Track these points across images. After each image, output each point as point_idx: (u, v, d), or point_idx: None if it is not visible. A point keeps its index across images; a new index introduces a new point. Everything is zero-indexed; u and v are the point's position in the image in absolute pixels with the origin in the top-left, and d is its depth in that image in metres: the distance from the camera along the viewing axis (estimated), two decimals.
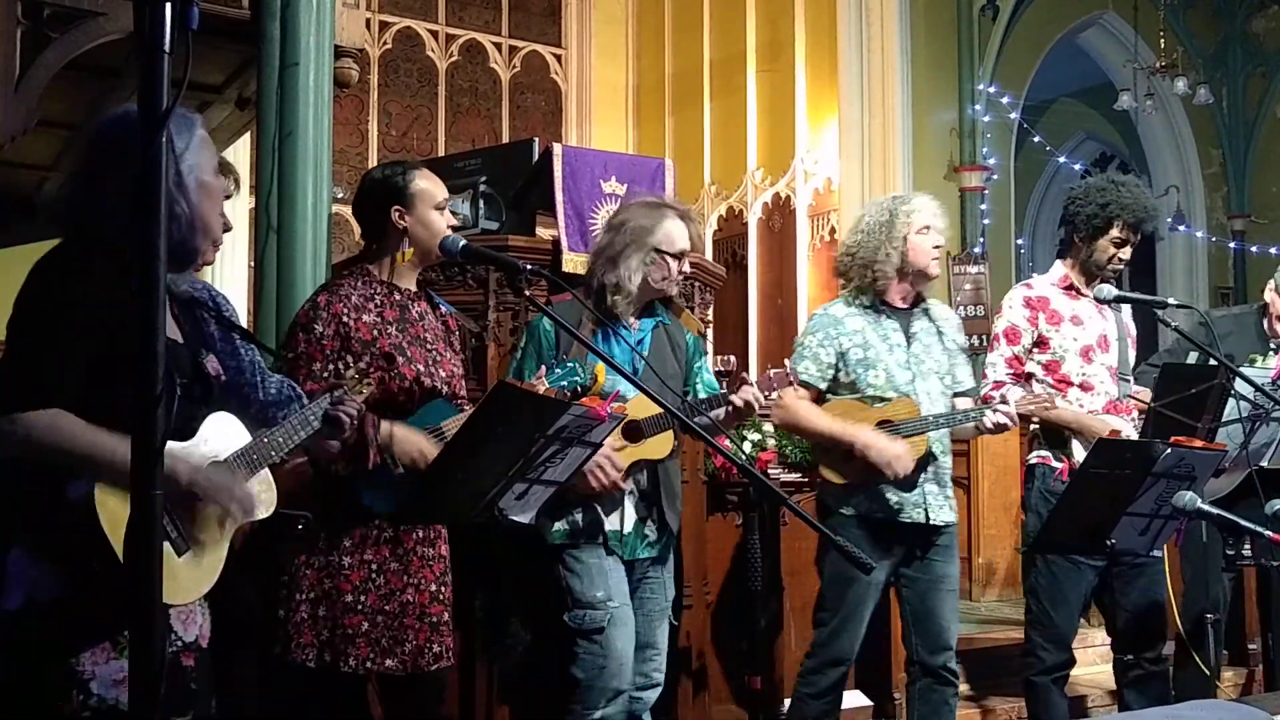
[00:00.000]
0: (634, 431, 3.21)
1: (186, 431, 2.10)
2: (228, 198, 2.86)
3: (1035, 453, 3.94)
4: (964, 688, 5.31)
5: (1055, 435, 3.87)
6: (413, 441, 2.83)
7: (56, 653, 1.99)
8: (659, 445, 3.26)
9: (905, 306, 3.70)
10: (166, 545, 1.98)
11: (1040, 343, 3.89)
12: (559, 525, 3.21)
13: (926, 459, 3.58)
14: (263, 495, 2.26)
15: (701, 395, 3.39)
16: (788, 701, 4.45)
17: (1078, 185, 4.00)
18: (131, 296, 2.03)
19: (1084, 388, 3.86)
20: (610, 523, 3.25)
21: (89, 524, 1.93)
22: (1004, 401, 3.65)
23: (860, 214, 3.79)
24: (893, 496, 3.58)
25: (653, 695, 3.36)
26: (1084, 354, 3.88)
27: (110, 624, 2.01)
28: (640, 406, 3.17)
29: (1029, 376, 3.91)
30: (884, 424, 3.56)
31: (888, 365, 3.61)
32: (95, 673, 1.99)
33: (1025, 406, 3.69)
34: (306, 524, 2.62)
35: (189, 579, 2.07)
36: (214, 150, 2.24)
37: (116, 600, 1.96)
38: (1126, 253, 3.93)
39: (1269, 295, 4.48)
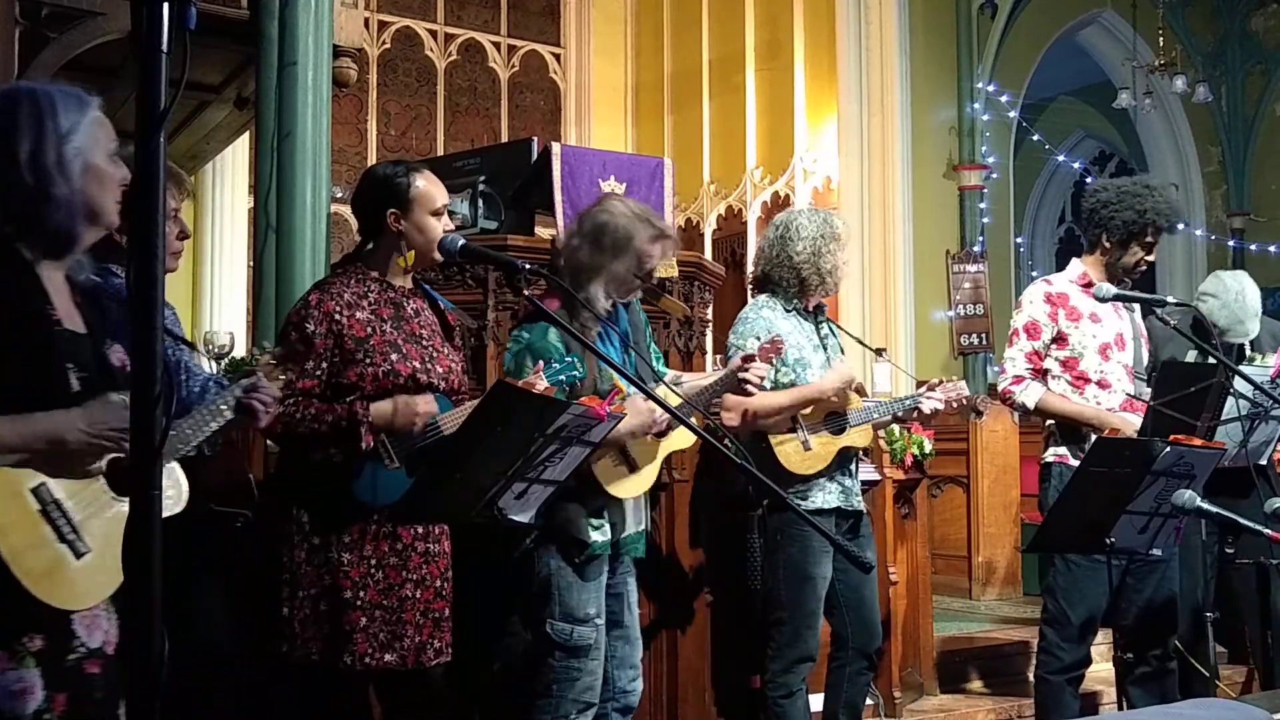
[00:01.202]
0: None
1: None
2: (174, 212, 2.80)
3: (1051, 450, 3.96)
4: (964, 686, 5.32)
5: (1073, 432, 3.88)
6: (408, 408, 2.82)
7: None
8: (684, 435, 3.28)
9: (811, 312, 3.84)
10: (64, 548, 1.92)
11: (1059, 339, 3.93)
12: (599, 537, 3.20)
13: (856, 451, 3.79)
14: (169, 491, 2.16)
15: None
16: None
17: (1105, 188, 4.00)
18: (14, 284, 1.98)
19: (1101, 385, 3.89)
20: (636, 525, 3.27)
21: None
22: (931, 389, 3.81)
23: (784, 223, 3.81)
24: (838, 486, 3.70)
25: (639, 684, 3.38)
26: (1101, 351, 3.91)
27: (5, 632, 1.92)
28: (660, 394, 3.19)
29: (1045, 373, 3.93)
30: (831, 415, 3.71)
31: (816, 365, 3.74)
32: None
33: (950, 392, 3.81)
34: (246, 521, 2.58)
35: (90, 582, 1.97)
36: (111, 134, 2.11)
37: (8, 608, 1.90)
38: (1153, 256, 4.01)
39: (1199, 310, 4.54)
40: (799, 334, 3.74)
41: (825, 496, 3.68)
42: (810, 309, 3.81)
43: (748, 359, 3.30)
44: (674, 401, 3.12)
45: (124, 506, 1.97)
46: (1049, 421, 3.99)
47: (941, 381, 3.88)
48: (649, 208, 3.39)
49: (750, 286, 3.92)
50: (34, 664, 1.93)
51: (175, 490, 2.20)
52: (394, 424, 2.83)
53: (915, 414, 3.81)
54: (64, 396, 1.97)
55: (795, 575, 3.63)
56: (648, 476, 3.23)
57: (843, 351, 3.93)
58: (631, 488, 3.20)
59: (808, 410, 3.67)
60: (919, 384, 3.98)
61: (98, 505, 1.99)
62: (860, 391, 3.90)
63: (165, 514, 2.06)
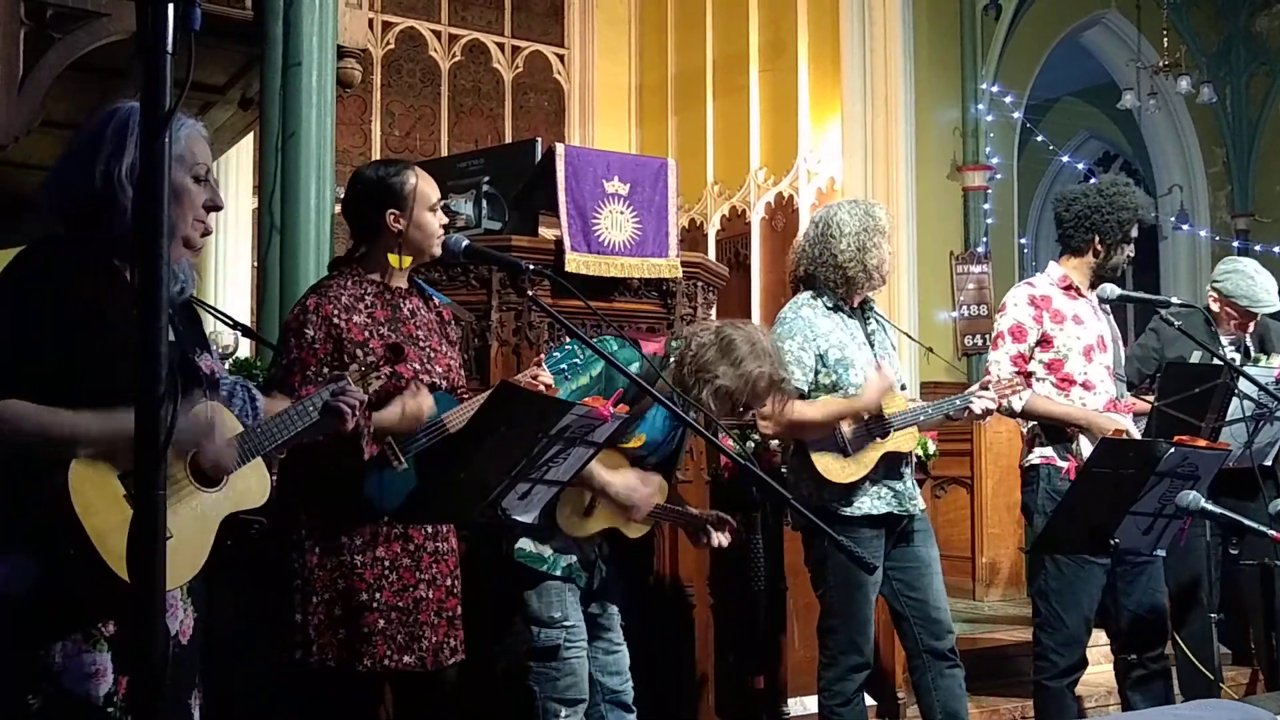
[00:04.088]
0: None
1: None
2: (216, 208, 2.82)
3: (1037, 452, 3.90)
4: (968, 687, 5.31)
5: (1059, 433, 3.85)
6: (410, 410, 2.82)
7: (25, 645, 1.97)
8: (637, 527, 3.35)
9: (857, 308, 3.74)
10: None
11: (1044, 341, 3.89)
12: (562, 561, 3.25)
13: (904, 456, 3.64)
14: (256, 484, 2.24)
15: None
16: (790, 701, 4.46)
17: (1087, 194, 3.96)
18: (105, 289, 2.06)
19: (1086, 387, 3.85)
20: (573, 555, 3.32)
21: (63, 512, 1.92)
22: (985, 387, 3.68)
23: (824, 219, 3.74)
24: (889, 491, 3.60)
25: (630, 682, 3.40)
26: (1085, 353, 3.87)
27: (81, 616, 1.99)
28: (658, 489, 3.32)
29: (1029, 375, 3.90)
30: (876, 418, 3.58)
31: (862, 364, 3.63)
32: (66, 666, 1.97)
33: (1004, 390, 3.72)
34: (261, 528, 2.59)
35: (170, 566, 2.00)
36: (203, 154, 2.23)
37: (88, 591, 1.96)
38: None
39: (1211, 303, 4.56)
40: (841, 333, 3.64)
41: (874, 502, 3.57)
42: (856, 305, 3.72)
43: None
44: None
45: (206, 496, 2.12)
46: (1030, 424, 3.95)
47: (993, 380, 3.76)
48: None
49: (791, 286, 3.82)
50: (106, 648, 2.00)
51: (262, 484, 2.27)
52: (400, 428, 2.82)
53: (966, 414, 3.66)
54: None
55: (845, 581, 3.53)
56: (588, 528, 3.27)
57: (894, 348, 3.83)
58: (569, 523, 3.23)
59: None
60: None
61: (181, 494, 2.07)
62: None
63: (253, 505, 2.21)
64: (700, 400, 3.15)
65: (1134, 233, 3.92)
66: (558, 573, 3.24)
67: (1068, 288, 3.94)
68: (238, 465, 2.19)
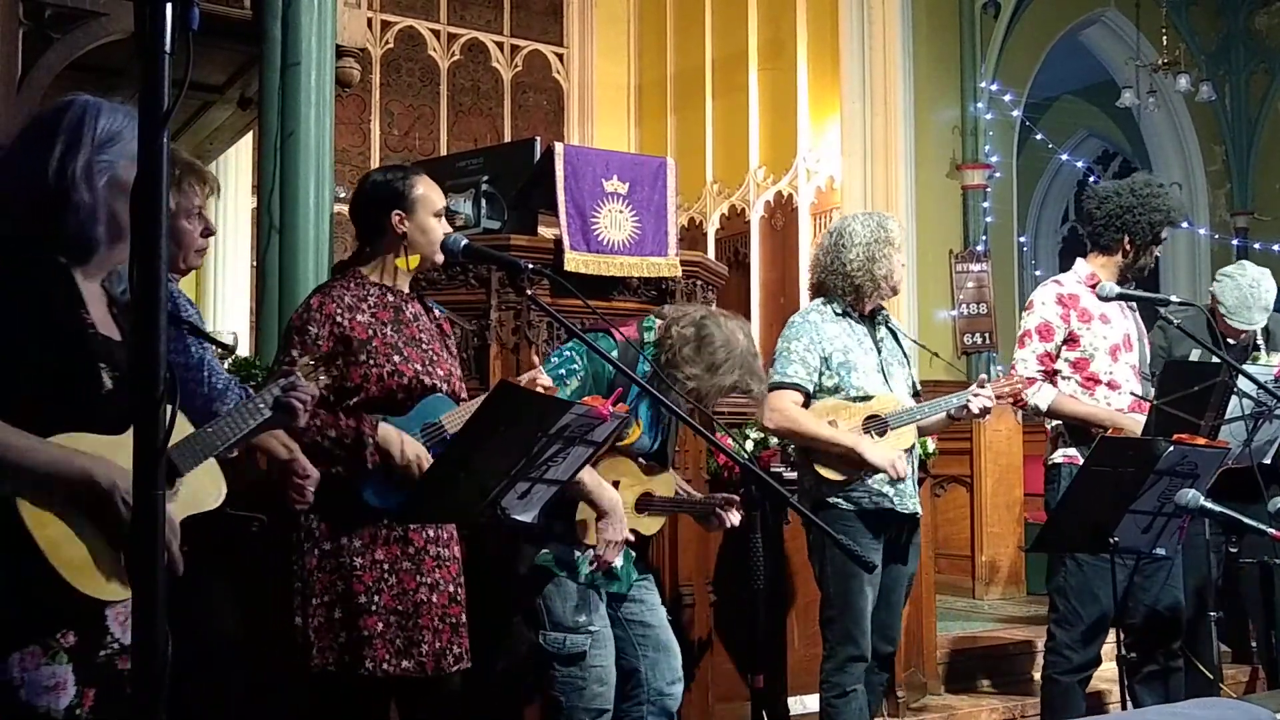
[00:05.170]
0: (645, 503, 3.30)
1: (121, 425, 1.94)
2: (198, 209, 2.78)
3: (1060, 452, 3.92)
4: (967, 685, 5.31)
5: (1083, 434, 3.86)
6: (411, 446, 2.82)
7: None
8: (652, 524, 3.35)
9: (867, 315, 3.79)
10: (101, 540, 1.92)
11: (1070, 340, 3.90)
12: (585, 568, 3.22)
13: (909, 450, 3.68)
14: (209, 486, 2.17)
15: None
16: (791, 700, 4.46)
17: (1119, 192, 3.98)
18: (49, 288, 2.00)
19: (1111, 386, 3.87)
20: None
21: (13, 523, 1.87)
22: (982, 386, 3.71)
23: (838, 230, 3.79)
24: (887, 488, 3.63)
25: (680, 688, 3.38)
26: (1112, 353, 3.90)
27: (39, 628, 1.93)
28: (665, 484, 3.33)
29: (1055, 374, 3.91)
30: (871, 418, 3.63)
31: (865, 368, 3.68)
32: (24, 679, 1.91)
33: (1001, 389, 3.74)
34: (261, 525, 2.57)
35: (122, 574, 1.95)
36: None
37: (44, 603, 1.91)
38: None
39: (1210, 305, 4.56)
40: (847, 338, 3.70)
41: (872, 499, 3.62)
42: (866, 313, 3.77)
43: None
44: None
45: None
46: (1055, 423, 3.97)
47: (988, 379, 3.80)
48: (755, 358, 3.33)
49: (810, 292, 3.89)
50: (66, 659, 1.95)
51: (216, 486, 2.20)
52: (395, 458, 2.80)
53: (964, 412, 3.70)
54: (96, 396, 1.97)
55: (841, 572, 3.57)
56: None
57: (905, 355, 3.88)
58: (590, 528, 3.22)
59: (847, 416, 3.62)
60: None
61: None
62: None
63: (207, 508, 2.12)
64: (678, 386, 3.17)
65: (1164, 234, 3.94)
66: (580, 578, 3.21)
67: (1094, 286, 3.95)
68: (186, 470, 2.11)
